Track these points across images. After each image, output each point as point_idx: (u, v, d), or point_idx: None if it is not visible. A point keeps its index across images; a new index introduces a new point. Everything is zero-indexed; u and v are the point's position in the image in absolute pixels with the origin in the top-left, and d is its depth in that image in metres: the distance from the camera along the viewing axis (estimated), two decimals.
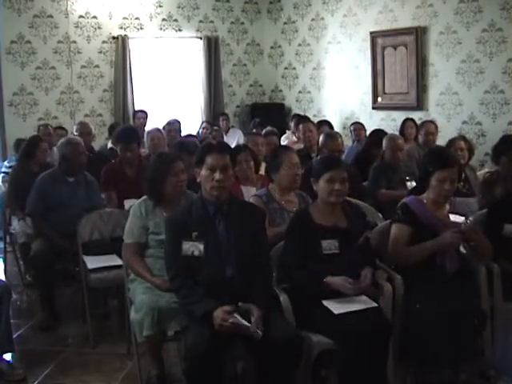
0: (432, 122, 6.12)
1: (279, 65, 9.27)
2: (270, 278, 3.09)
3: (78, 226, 4.06)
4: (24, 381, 3.53)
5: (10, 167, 5.88)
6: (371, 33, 7.75)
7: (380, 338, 2.92)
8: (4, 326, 3.46)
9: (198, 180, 3.08)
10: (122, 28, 7.95)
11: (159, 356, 3.39)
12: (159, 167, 3.45)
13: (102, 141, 7.43)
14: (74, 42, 7.62)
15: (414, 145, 5.93)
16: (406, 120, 6.57)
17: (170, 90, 8.47)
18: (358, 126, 7.11)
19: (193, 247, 2.96)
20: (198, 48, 8.63)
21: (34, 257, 4.26)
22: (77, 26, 7.62)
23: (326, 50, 8.51)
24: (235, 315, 2.77)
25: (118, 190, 4.56)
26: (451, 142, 4.97)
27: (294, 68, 9.04)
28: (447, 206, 3.42)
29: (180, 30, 8.49)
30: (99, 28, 7.79)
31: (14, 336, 3.74)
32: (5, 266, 5.62)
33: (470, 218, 3.22)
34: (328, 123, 7.15)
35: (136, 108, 7.88)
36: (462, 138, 5.13)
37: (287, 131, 7.62)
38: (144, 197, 3.49)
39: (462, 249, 3.32)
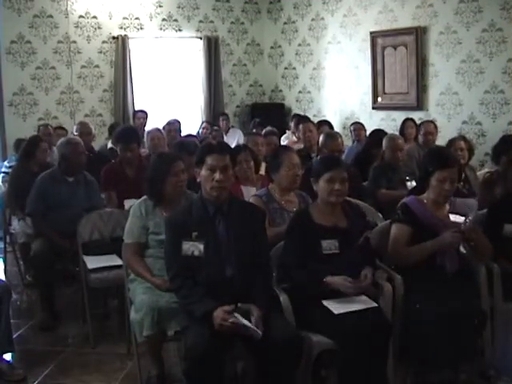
0: (431, 121, 6.12)
1: (279, 65, 9.27)
2: (270, 278, 3.09)
3: (78, 226, 4.06)
4: (24, 381, 3.53)
5: (10, 167, 5.88)
6: (371, 33, 7.75)
7: (380, 337, 2.92)
8: (4, 326, 3.46)
9: (198, 180, 3.08)
10: (122, 28, 7.95)
11: (159, 356, 3.39)
12: (159, 167, 3.45)
13: (102, 141, 7.43)
14: (74, 42, 7.62)
15: (413, 145, 5.93)
16: (406, 120, 6.58)
17: (170, 90, 8.47)
18: (358, 126, 7.12)
19: (193, 247, 2.96)
20: (198, 48, 8.63)
21: (34, 257, 4.25)
22: (77, 26, 7.62)
23: (326, 50, 8.51)
24: (235, 315, 2.77)
25: (118, 190, 4.56)
26: (451, 141, 4.97)
27: (294, 68, 9.04)
28: (447, 206, 3.42)
29: (180, 30, 8.49)
30: (99, 28, 7.79)
31: (14, 336, 3.74)
32: (5, 266, 5.62)
33: (470, 218, 3.22)
34: (328, 123, 7.15)
35: (136, 108, 7.88)
36: (462, 138, 5.13)
37: (287, 131, 7.62)
38: (144, 197, 3.48)
39: (461, 249, 3.32)
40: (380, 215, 4.04)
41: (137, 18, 8.08)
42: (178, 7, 8.46)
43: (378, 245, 3.40)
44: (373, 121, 7.78)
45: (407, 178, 4.90)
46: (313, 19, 8.63)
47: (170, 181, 3.38)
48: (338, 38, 8.31)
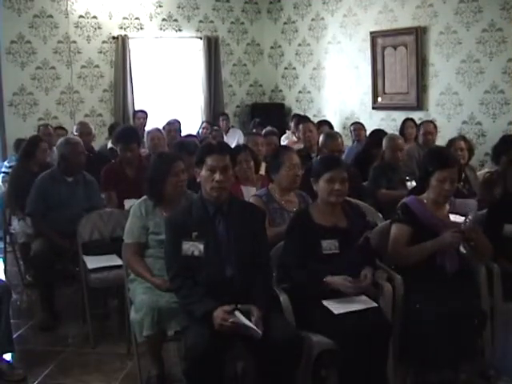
0: (431, 121, 6.12)
1: (279, 65, 9.27)
2: (270, 278, 3.09)
3: (78, 226, 4.06)
4: (24, 381, 3.53)
5: (10, 167, 5.88)
6: (371, 33, 7.75)
7: (380, 337, 2.92)
8: (4, 326, 3.46)
9: (198, 180, 3.08)
10: (122, 28, 7.95)
11: (159, 356, 3.39)
12: (159, 167, 3.45)
13: (102, 141, 7.43)
14: (74, 42, 7.62)
15: (414, 145, 5.93)
16: (406, 120, 6.58)
17: (170, 90, 8.47)
18: (358, 126, 7.12)
19: (193, 247, 2.96)
20: (198, 48, 8.63)
21: (34, 257, 4.25)
22: (77, 26, 7.62)
23: (326, 50, 8.51)
24: (235, 314, 2.77)
25: (118, 190, 4.56)
26: (451, 141, 4.97)
27: (294, 68, 9.04)
28: (447, 206, 3.42)
29: (180, 30, 8.49)
30: (99, 28, 7.79)
31: (14, 336, 3.74)
32: (5, 266, 5.62)
33: (470, 217, 3.22)
34: (328, 123, 7.15)
35: (136, 108, 7.88)
36: (462, 138, 5.13)
37: (287, 131, 7.62)
38: (144, 197, 3.48)
39: (461, 249, 3.32)
40: (380, 215, 4.04)
41: (137, 18, 8.08)
42: (178, 7, 8.46)
43: (378, 245, 3.40)
44: (373, 121, 7.78)
45: (407, 177, 4.90)
46: (313, 19, 8.63)
47: (170, 181, 3.38)
48: (337, 37, 8.31)
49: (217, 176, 2.96)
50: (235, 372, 3.27)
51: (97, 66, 7.85)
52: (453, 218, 3.41)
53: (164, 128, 6.27)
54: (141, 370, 3.42)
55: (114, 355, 3.86)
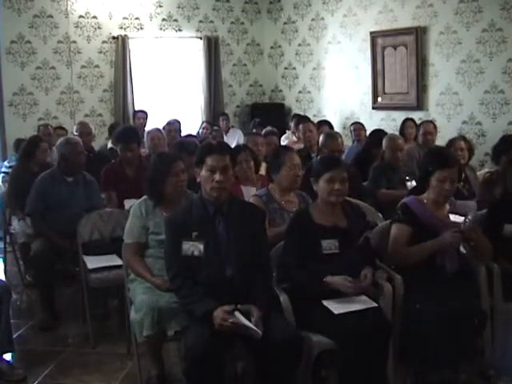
0: (431, 121, 6.12)
1: (279, 65, 9.27)
2: (270, 278, 3.09)
3: (78, 226, 4.06)
4: (24, 381, 3.53)
5: (10, 167, 5.88)
6: (371, 33, 7.75)
7: (380, 337, 2.92)
8: (4, 326, 3.46)
9: (198, 180, 3.08)
10: (122, 28, 7.95)
11: (159, 356, 3.39)
12: (159, 167, 3.45)
13: (102, 141, 7.43)
14: (74, 42, 7.62)
15: (413, 145, 5.93)
16: (406, 120, 6.58)
17: (170, 90, 8.47)
18: (358, 126, 7.12)
19: (193, 247, 2.96)
20: (198, 48, 8.63)
21: (34, 257, 4.25)
22: (77, 26, 7.62)
23: (326, 50, 8.51)
24: (235, 314, 2.77)
25: (118, 190, 4.56)
26: (451, 141, 4.97)
27: (294, 68, 9.04)
28: (447, 206, 3.42)
29: (180, 30, 8.49)
30: (99, 28, 7.79)
31: (14, 336, 3.74)
32: (5, 266, 5.62)
33: (469, 217, 3.22)
34: (328, 123, 7.15)
35: (136, 108, 7.88)
36: (462, 138, 5.13)
37: (287, 131, 7.62)
38: (144, 197, 3.48)
39: (462, 249, 3.32)
40: (380, 215, 4.04)
41: (137, 18, 8.08)
42: (178, 7, 8.46)
43: (378, 245, 3.40)
44: (373, 121, 7.78)
45: (407, 177, 4.90)
46: (313, 19, 8.63)
47: (170, 181, 3.38)
48: (337, 37, 8.31)
49: (217, 176, 2.96)
50: (235, 372, 3.27)
51: (97, 66, 7.85)
52: (453, 218, 3.41)
53: (164, 128, 6.27)
54: (141, 370, 3.42)
55: (113, 355, 3.86)
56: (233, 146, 4.87)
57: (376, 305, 3.03)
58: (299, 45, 8.90)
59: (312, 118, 7.52)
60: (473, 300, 3.17)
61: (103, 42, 7.84)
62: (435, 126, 5.97)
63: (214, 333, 2.75)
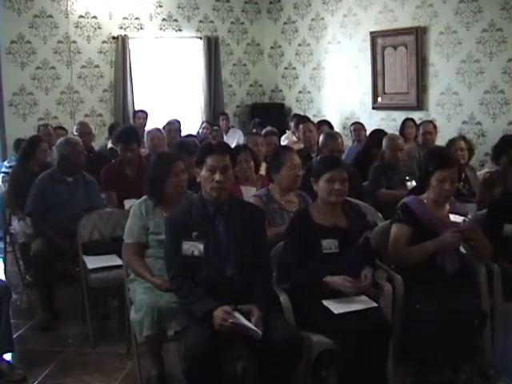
0: (430, 121, 6.13)
1: (279, 65, 9.27)
2: (270, 278, 3.09)
3: (78, 226, 4.06)
4: (24, 381, 3.53)
5: (10, 167, 5.88)
6: (371, 33, 7.75)
7: (380, 337, 2.92)
8: (4, 326, 3.46)
9: (198, 180, 3.08)
10: (122, 28, 7.95)
11: (159, 356, 3.39)
12: (159, 167, 3.45)
13: (102, 141, 7.43)
14: (74, 42, 7.62)
15: (413, 145, 5.93)
16: (406, 120, 6.58)
17: (170, 90, 8.47)
18: (358, 126, 7.12)
19: (193, 247, 2.96)
20: (198, 48, 8.63)
21: (34, 257, 4.25)
22: (77, 26, 7.63)
23: (326, 50, 8.51)
24: (235, 315, 2.77)
25: (118, 190, 4.56)
26: (451, 141, 4.98)
27: (294, 68, 9.04)
28: (447, 206, 3.42)
29: (180, 30, 8.49)
30: (99, 28, 7.80)
31: (14, 336, 3.74)
32: (5, 266, 5.62)
33: (469, 217, 3.22)
34: (328, 123, 7.15)
35: (136, 108, 7.88)
36: (462, 138, 5.13)
37: (287, 131, 7.62)
38: (144, 197, 3.48)
39: (461, 249, 3.33)
40: (380, 215, 4.04)
41: (137, 18, 8.08)
42: (178, 7, 8.46)
43: (378, 245, 3.40)
44: (373, 121, 7.78)
45: (407, 177, 4.90)
46: (313, 19, 8.63)
47: (171, 181, 3.38)
48: (337, 37, 8.31)
49: (217, 176, 2.96)
50: (235, 372, 3.27)
51: (97, 66, 7.85)
52: (453, 218, 3.41)
53: (164, 128, 6.27)
54: (141, 370, 3.42)
55: (113, 355, 3.86)
56: (233, 146, 4.87)
57: (376, 305, 3.03)
58: (299, 45, 8.90)
59: (312, 118, 7.52)
60: (473, 300, 3.17)
61: (103, 42, 7.84)
62: (435, 126, 5.97)
63: (214, 333, 2.75)
